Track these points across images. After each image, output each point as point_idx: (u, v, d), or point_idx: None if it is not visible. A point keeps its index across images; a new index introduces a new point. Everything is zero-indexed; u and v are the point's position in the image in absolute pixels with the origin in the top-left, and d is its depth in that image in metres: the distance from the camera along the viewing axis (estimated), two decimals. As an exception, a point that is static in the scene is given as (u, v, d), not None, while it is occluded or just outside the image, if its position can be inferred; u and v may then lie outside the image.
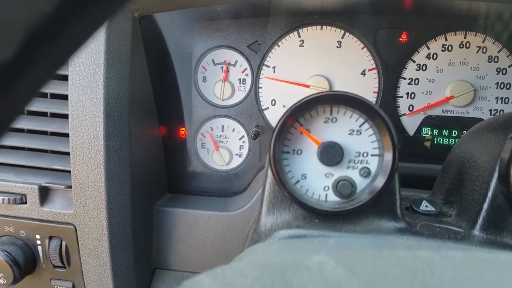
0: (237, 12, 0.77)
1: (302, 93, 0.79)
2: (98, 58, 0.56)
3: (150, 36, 0.71)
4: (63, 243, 0.65)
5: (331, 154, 0.44)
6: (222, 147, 0.81)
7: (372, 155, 0.45)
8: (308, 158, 0.46)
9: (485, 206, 0.42)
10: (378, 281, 0.25)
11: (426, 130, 0.78)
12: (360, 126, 0.45)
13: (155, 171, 0.76)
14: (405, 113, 0.78)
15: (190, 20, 0.78)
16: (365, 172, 0.45)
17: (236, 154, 0.82)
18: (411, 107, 0.78)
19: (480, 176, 0.45)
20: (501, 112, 0.77)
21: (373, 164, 0.45)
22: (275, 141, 0.43)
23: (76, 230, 0.64)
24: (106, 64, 0.57)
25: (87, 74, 0.57)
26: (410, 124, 0.79)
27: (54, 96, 0.62)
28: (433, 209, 0.49)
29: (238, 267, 0.28)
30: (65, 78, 0.60)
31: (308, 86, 0.78)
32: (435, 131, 0.78)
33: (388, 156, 0.43)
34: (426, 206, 0.50)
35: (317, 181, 0.46)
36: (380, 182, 0.42)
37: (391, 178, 0.42)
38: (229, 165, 0.82)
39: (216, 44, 0.79)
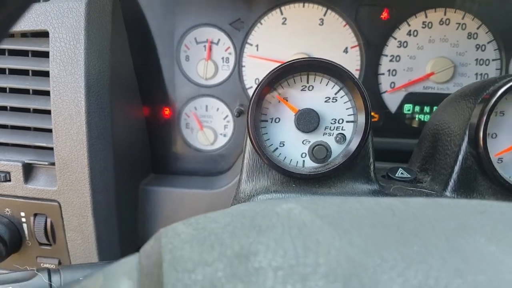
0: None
1: (286, 72, 0.81)
2: (79, 34, 0.57)
3: (131, 14, 0.72)
4: (48, 220, 0.66)
5: (307, 120, 0.46)
6: (206, 126, 0.83)
7: (347, 121, 0.47)
8: (286, 126, 0.48)
9: (456, 168, 0.45)
10: (340, 221, 0.27)
11: (408, 107, 0.81)
12: (335, 93, 0.47)
13: (139, 150, 0.77)
14: (386, 90, 0.81)
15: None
16: (341, 138, 0.47)
17: (221, 134, 0.83)
18: (392, 84, 0.80)
19: (452, 140, 0.47)
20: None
21: (348, 130, 0.47)
22: (252, 110, 0.45)
23: (60, 207, 0.65)
24: (87, 40, 0.58)
25: (67, 50, 0.58)
26: (392, 101, 0.81)
27: (36, 73, 0.63)
28: (409, 176, 0.52)
29: (212, 215, 0.30)
30: (46, 55, 0.61)
31: (291, 65, 0.80)
32: (417, 107, 0.81)
33: (362, 119, 0.45)
34: (402, 173, 0.52)
35: (294, 148, 0.48)
36: (354, 145, 0.44)
37: (364, 140, 0.44)
38: (213, 145, 0.83)
39: (198, 22, 0.80)
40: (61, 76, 0.60)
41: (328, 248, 0.24)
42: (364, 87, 0.82)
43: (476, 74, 0.79)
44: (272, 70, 0.45)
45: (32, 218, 0.66)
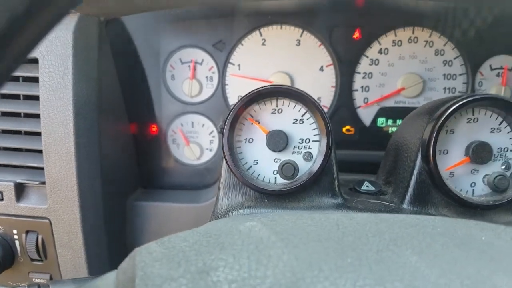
0: (201, 13, 0.83)
1: (266, 89, 0.85)
2: (67, 61, 0.62)
3: (118, 38, 0.77)
4: (39, 237, 0.69)
5: (277, 141, 0.51)
6: (192, 142, 0.87)
7: (313, 141, 0.52)
8: (259, 145, 0.52)
9: (412, 182, 0.49)
10: (292, 237, 0.31)
11: (381, 120, 0.86)
12: (302, 116, 0.52)
13: (127, 167, 0.81)
14: (360, 105, 0.86)
15: (157, 22, 0.84)
16: (308, 156, 0.52)
17: (207, 149, 0.88)
18: (366, 99, 0.85)
19: (409, 156, 0.52)
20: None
21: (314, 149, 0.52)
22: (226, 132, 0.49)
23: (51, 224, 0.69)
24: (74, 66, 0.63)
25: (56, 76, 0.62)
26: (366, 115, 0.86)
27: (27, 97, 0.67)
28: (373, 188, 0.56)
29: (182, 235, 0.34)
30: (36, 80, 0.65)
31: (271, 82, 0.85)
32: (389, 121, 0.86)
33: (324, 141, 0.49)
34: (367, 186, 0.57)
35: (267, 166, 0.52)
36: (318, 163, 0.49)
37: (327, 160, 0.48)
38: (200, 159, 0.87)
39: (183, 44, 0.84)
40: (51, 100, 0.64)
41: (277, 261, 0.28)
42: (339, 103, 0.87)
43: (445, 88, 0.84)
44: (243, 97, 0.49)
45: (24, 235, 0.69)
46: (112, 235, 0.75)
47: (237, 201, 0.50)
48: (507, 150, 0.49)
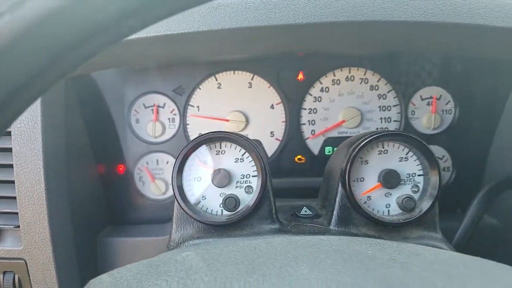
0: (161, 62, 0.92)
1: (224, 127, 0.94)
2: (36, 116, 0.69)
3: (84, 89, 0.85)
4: (16, 276, 0.74)
5: (221, 178, 0.59)
6: (158, 178, 0.94)
7: (252, 176, 0.60)
8: (206, 183, 0.60)
9: (336, 206, 0.58)
10: (216, 261, 0.39)
11: (328, 149, 0.95)
12: (242, 155, 0.60)
13: (96, 206, 0.87)
14: (308, 137, 0.95)
15: (121, 72, 0.92)
16: (249, 189, 0.60)
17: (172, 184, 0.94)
18: (313, 131, 0.95)
19: (334, 184, 0.61)
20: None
21: (254, 182, 0.60)
22: (174, 174, 0.57)
23: (26, 264, 0.74)
24: (43, 120, 0.70)
25: (27, 130, 0.70)
26: (314, 145, 0.96)
27: (1, 150, 0.73)
28: (311, 213, 0.65)
29: (130, 266, 0.41)
30: (9, 133, 0.72)
31: (228, 120, 0.94)
32: (335, 149, 0.95)
33: (260, 176, 0.58)
34: (305, 211, 0.65)
35: (214, 200, 0.60)
36: (255, 196, 0.57)
37: (262, 193, 0.56)
38: (165, 194, 0.94)
39: (146, 91, 0.93)
40: (22, 152, 0.70)
41: (199, 283, 0.35)
42: (290, 135, 0.96)
43: (381, 118, 0.95)
44: (188, 143, 0.58)
45: (1, 275, 0.74)
46: (84, 270, 0.80)
47: (188, 234, 0.57)
48: (415, 175, 0.59)
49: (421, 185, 0.58)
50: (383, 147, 0.59)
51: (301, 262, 0.37)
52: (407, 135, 0.56)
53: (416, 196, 0.58)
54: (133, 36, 0.62)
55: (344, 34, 0.60)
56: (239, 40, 0.66)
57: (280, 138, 0.96)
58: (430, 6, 0.53)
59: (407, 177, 0.58)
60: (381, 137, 0.56)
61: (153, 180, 0.94)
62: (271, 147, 0.97)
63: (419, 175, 0.58)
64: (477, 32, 0.53)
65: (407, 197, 0.56)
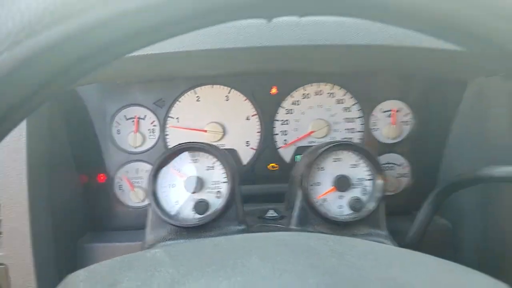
0: (143, 78, 0.98)
1: (202, 137, 1.00)
2: (21, 129, 0.73)
3: (68, 102, 0.90)
4: (-4, 281, 0.77)
5: (193, 184, 0.64)
6: (137, 186, 0.99)
7: (222, 182, 0.66)
8: (179, 189, 0.66)
9: (296, 208, 0.64)
10: (182, 258, 0.44)
11: (299, 157, 1.02)
12: (213, 163, 0.66)
13: (76, 214, 0.92)
14: (281, 146, 1.02)
15: (104, 86, 0.97)
16: (219, 194, 0.66)
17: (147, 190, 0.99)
18: (285, 141, 1.02)
19: (296, 188, 0.67)
20: (351, 139, 1.02)
21: (224, 188, 0.66)
22: (151, 181, 0.62)
23: (7, 269, 0.77)
24: (28, 132, 0.74)
25: (11, 141, 0.74)
26: (286, 154, 1.02)
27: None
28: (276, 215, 0.71)
29: (104, 262, 0.46)
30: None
31: (205, 131, 1.00)
32: (305, 158, 1.02)
33: (230, 182, 0.64)
34: (271, 213, 0.71)
35: (186, 205, 0.66)
36: (224, 200, 0.63)
37: (230, 197, 0.62)
38: (144, 201, 0.99)
39: (127, 103, 0.98)
40: (6, 161, 0.75)
41: (164, 274, 0.40)
42: (264, 145, 1.02)
43: (346, 129, 1.02)
44: (163, 153, 0.63)
45: (-19, 280, 0.77)
46: (64, 275, 0.83)
47: (161, 236, 0.63)
48: (364, 180, 0.66)
49: (369, 188, 0.65)
50: (337, 155, 0.66)
51: (254, 254, 0.43)
52: (356, 146, 0.63)
53: (364, 198, 0.65)
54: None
55: (303, 55, 0.67)
56: (215, 60, 0.72)
57: (255, 148, 1.02)
58: (375, 29, 0.61)
59: (357, 181, 0.65)
60: (335, 147, 0.63)
61: (132, 188, 0.98)
62: (246, 155, 1.03)
63: (367, 180, 0.65)
64: (408, 53, 0.61)
65: (356, 198, 0.63)
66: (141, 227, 0.98)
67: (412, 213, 1.04)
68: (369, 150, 0.63)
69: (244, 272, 0.39)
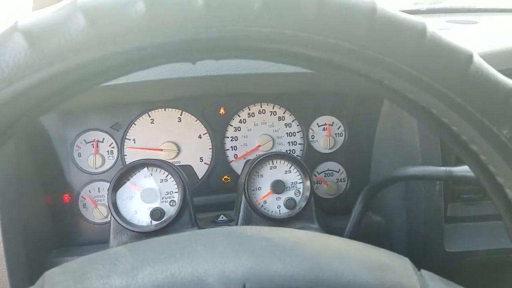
0: (100, 104, 1.07)
1: (158, 155, 1.10)
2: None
3: (31, 130, 0.97)
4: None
5: (149, 195, 0.75)
6: (100, 204, 1.07)
7: (175, 192, 0.77)
8: (136, 200, 0.76)
9: (240, 210, 0.76)
10: (140, 250, 0.55)
11: (248, 170, 1.14)
12: (166, 176, 0.77)
13: (45, 231, 0.98)
14: (232, 160, 1.14)
15: (62, 113, 1.06)
16: (173, 203, 0.77)
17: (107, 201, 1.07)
18: (235, 155, 1.14)
19: (241, 193, 0.79)
20: (293, 152, 1.17)
21: (176, 197, 0.77)
22: (110, 193, 0.72)
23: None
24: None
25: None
26: (238, 166, 1.14)
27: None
28: (226, 218, 0.82)
29: (74, 261, 0.56)
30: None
31: (161, 150, 1.10)
32: (254, 169, 1.14)
33: (181, 192, 0.75)
34: (222, 217, 0.83)
35: (143, 214, 0.76)
36: (177, 207, 0.74)
37: (182, 204, 0.73)
38: (107, 217, 1.07)
39: (85, 128, 1.07)
40: (-25, 186, 0.81)
41: (125, 263, 0.51)
42: (217, 160, 1.14)
43: (288, 142, 1.16)
44: (120, 169, 0.74)
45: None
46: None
47: (123, 241, 0.72)
48: (296, 183, 0.79)
49: (301, 190, 0.79)
50: (273, 164, 0.79)
51: (199, 243, 0.55)
52: (287, 155, 0.77)
53: (297, 199, 0.78)
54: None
55: (243, 81, 0.81)
56: (165, 87, 0.84)
57: (209, 162, 1.14)
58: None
59: (291, 184, 0.79)
60: (269, 156, 0.77)
61: (95, 206, 1.06)
62: (201, 170, 1.15)
63: (299, 183, 0.79)
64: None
65: (291, 199, 0.77)
66: (106, 241, 1.06)
67: (351, 213, 1.20)
68: (297, 158, 0.77)
69: (190, 255, 0.51)
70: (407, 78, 0.34)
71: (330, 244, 0.57)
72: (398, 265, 0.49)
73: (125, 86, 0.73)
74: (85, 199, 1.07)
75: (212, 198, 1.10)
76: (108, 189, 0.71)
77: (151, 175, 0.75)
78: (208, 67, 0.81)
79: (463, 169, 0.68)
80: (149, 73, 0.74)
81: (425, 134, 0.93)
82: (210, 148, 1.14)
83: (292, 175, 0.78)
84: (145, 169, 0.75)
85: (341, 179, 1.19)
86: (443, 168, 0.71)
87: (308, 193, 0.76)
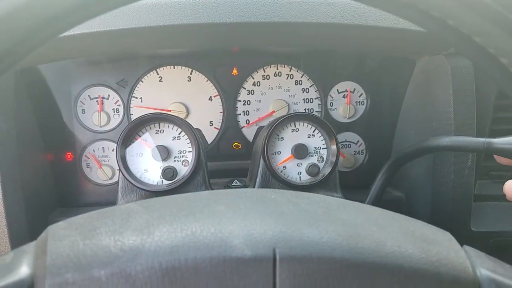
0: (106, 57, 1.00)
1: (167, 117, 1.04)
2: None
3: (33, 82, 0.91)
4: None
5: (160, 153, 0.69)
6: (104, 164, 1.02)
7: (188, 151, 0.72)
8: (147, 157, 0.71)
9: (258, 174, 0.71)
10: (154, 207, 0.50)
11: (261, 137, 1.09)
12: (179, 134, 0.72)
13: (46, 190, 0.94)
14: (244, 126, 1.09)
15: (67, 66, 0.99)
16: (185, 163, 0.71)
17: (118, 169, 1.02)
18: (247, 121, 1.09)
19: (258, 158, 0.74)
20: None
21: (190, 157, 0.72)
22: (119, 148, 0.67)
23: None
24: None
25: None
26: (249, 133, 1.09)
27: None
28: (240, 183, 0.77)
29: (82, 215, 0.51)
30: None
31: (170, 111, 1.04)
32: (267, 136, 1.09)
33: (195, 151, 0.70)
34: (236, 182, 0.78)
35: (154, 172, 0.71)
36: (191, 166, 0.69)
37: (196, 163, 0.68)
38: (112, 179, 1.02)
39: (91, 83, 1.01)
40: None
41: (139, 219, 0.46)
42: (227, 125, 1.09)
43: (305, 109, 1.10)
44: (131, 122, 0.68)
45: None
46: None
47: (131, 200, 0.67)
48: (320, 148, 0.74)
49: (324, 156, 0.73)
50: (295, 126, 0.73)
51: (220, 203, 0.50)
52: (311, 116, 0.72)
53: (321, 165, 0.73)
54: (76, 31, 0.71)
55: (261, 33, 0.73)
56: (175, 36, 0.77)
57: (219, 127, 1.08)
58: (329, 8, 0.68)
59: (314, 149, 0.74)
60: (292, 117, 0.71)
61: (100, 166, 1.01)
62: (210, 135, 1.09)
63: (323, 148, 0.73)
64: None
65: (312, 164, 0.72)
66: (109, 204, 1.02)
67: (369, 188, 1.15)
68: (323, 120, 0.71)
69: (211, 215, 0.46)
70: None
71: (367, 211, 0.52)
72: (442, 238, 0.45)
73: (130, 33, 0.66)
74: (88, 158, 1.02)
75: (222, 164, 1.05)
76: (117, 141, 0.65)
77: (163, 131, 0.70)
78: (220, 13, 0.73)
79: (505, 141, 0.62)
80: (153, 19, 0.66)
81: (461, 102, 0.86)
82: (220, 112, 1.08)
83: (315, 140, 0.72)
84: (157, 124, 0.69)
85: (359, 151, 1.14)
86: (482, 139, 0.64)
87: (334, 159, 0.71)
